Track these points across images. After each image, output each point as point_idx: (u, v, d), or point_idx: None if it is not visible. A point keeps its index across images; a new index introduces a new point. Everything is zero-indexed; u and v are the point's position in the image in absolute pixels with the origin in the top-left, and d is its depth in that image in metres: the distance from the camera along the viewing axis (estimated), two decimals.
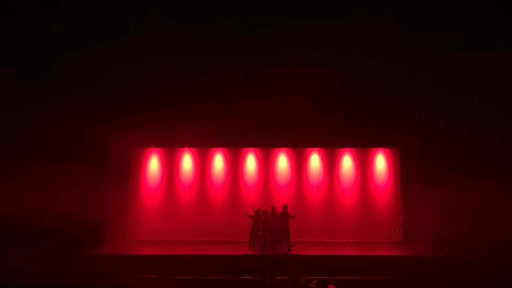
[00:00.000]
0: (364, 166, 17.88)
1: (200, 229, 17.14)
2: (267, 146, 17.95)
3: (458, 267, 12.67)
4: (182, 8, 10.48)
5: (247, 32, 11.10)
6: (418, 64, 12.35)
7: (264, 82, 13.59)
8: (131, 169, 17.80)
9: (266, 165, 18.03)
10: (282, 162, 18.09)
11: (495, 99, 13.03)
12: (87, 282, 8.60)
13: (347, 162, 17.94)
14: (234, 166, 18.01)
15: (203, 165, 18.01)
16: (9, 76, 12.06)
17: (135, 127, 15.16)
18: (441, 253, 13.97)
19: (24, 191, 11.97)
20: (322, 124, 14.90)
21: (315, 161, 18.01)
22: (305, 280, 9.14)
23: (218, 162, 18.03)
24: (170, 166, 18.00)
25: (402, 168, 17.59)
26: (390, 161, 17.85)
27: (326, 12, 10.45)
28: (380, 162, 17.86)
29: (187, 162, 18.04)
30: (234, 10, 10.41)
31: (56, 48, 11.46)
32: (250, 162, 18.06)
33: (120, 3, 10.35)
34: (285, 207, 15.08)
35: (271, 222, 14.97)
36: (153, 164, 17.98)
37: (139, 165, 17.93)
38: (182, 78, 13.42)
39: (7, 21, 10.40)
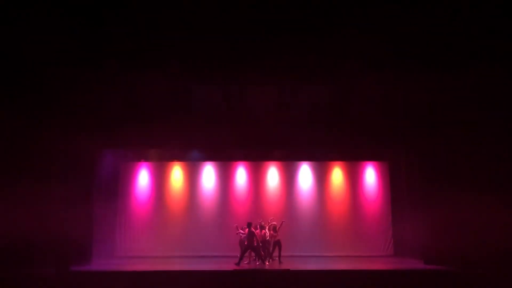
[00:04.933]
0: (354, 179, 17.97)
1: (190, 244, 17.05)
2: (257, 159, 18.00)
3: (448, 281, 12.67)
4: (169, 25, 10.47)
5: (234, 48, 11.09)
6: (407, 79, 12.43)
7: (253, 96, 13.59)
8: (120, 183, 17.73)
9: (256, 179, 18.05)
10: (273, 175, 18.10)
11: (485, 111, 13.11)
12: None
13: (337, 176, 18.00)
14: (224, 179, 18.01)
15: (192, 179, 17.98)
16: None
17: (124, 142, 15.06)
18: (431, 266, 13.96)
19: (11, 208, 11.79)
20: (312, 138, 14.90)
21: (305, 174, 18.04)
22: None
23: (208, 175, 18.00)
24: (159, 180, 17.97)
25: (391, 181, 17.71)
26: (379, 175, 17.94)
27: (313, 29, 10.50)
28: (370, 176, 17.95)
29: (176, 176, 17.99)
30: (220, 26, 10.42)
31: (43, 66, 11.36)
32: (240, 176, 18.06)
33: (108, 19, 10.30)
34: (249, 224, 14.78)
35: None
36: (143, 179, 17.90)
37: (128, 179, 17.86)
38: (171, 93, 13.38)
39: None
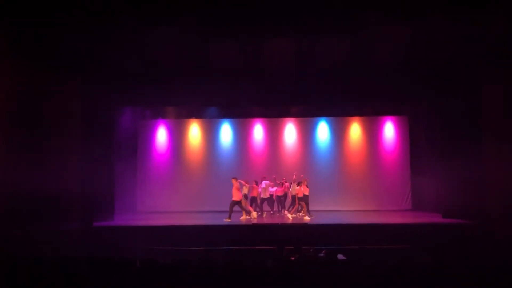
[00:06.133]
0: (372, 134, 17.85)
1: (207, 199, 17.31)
2: (274, 116, 17.97)
3: (467, 235, 12.68)
4: None
5: (252, 2, 10.77)
6: (429, 31, 12.02)
7: (270, 52, 13.35)
8: (139, 141, 17.93)
9: (273, 135, 18.07)
10: (290, 131, 18.08)
11: (509, 65, 12.70)
12: (98, 255, 8.65)
13: (355, 131, 17.90)
14: (242, 136, 18.06)
15: (210, 136, 18.08)
16: (18, 51, 11.90)
17: (142, 100, 15.08)
18: (450, 220, 13.98)
19: (36, 166, 11.99)
20: (330, 93, 14.71)
21: (323, 130, 17.97)
22: (314, 250, 9.15)
23: (226, 132, 18.07)
24: (178, 138, 18.12)
25: (411, 135, 17.57)
26: (398, 129, 17.79)
27: None
28: (389, 130, 17.81)
29: (194, 133, 18.11)
30: None
31: (61, 23, 11.23)
32: (258, 132, 18.08)
33: None
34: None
35: None
36: (161, 136, 18.06)
37: (146, 137, 18.05)
38: (188, 50, 13.22)
39: None
